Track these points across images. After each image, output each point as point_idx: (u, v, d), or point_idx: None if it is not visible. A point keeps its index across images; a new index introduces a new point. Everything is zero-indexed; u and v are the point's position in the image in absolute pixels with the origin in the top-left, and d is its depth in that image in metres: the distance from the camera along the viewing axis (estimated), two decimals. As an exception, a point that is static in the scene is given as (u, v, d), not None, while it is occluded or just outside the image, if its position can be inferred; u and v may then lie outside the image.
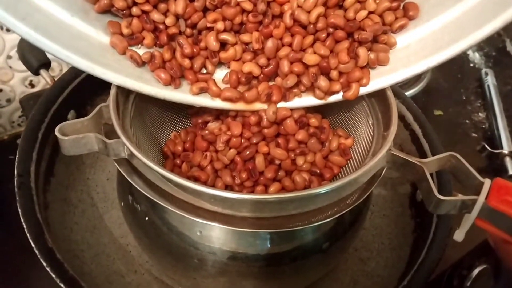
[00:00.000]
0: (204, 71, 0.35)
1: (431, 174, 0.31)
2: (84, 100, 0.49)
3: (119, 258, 0.45)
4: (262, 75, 0.34)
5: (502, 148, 0.61)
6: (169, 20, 0.33)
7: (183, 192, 0.30)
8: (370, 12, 0.33)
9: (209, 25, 0.33)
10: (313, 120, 0.37)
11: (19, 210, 0.36)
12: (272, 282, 0.37)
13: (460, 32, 0.31)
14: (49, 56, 0.53)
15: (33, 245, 0.34)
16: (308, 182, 0.36)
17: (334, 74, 0.33)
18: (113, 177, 0.50)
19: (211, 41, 0.33)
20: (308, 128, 0.37)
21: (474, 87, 0.73)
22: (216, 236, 0.34)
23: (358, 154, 0.37)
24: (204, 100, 0.35)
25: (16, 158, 0.39)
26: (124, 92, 0.34)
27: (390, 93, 0.35)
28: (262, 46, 0.33)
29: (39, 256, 0.33)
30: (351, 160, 0.38)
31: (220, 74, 0.35)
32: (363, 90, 0.34)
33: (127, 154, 0.31)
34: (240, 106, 0.35)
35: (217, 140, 0.36)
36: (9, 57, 0.56)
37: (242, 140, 0.36)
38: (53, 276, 0.33)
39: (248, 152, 0.36)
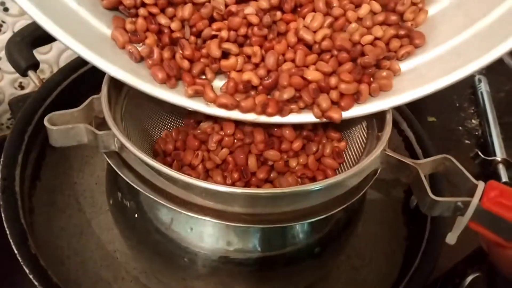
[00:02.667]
0: (203, 77, 0.34)
1: (425, 177, 0.31)
2: (73, 102, 0.48)
3: (106, 265, 0.44)
4: (261, 87, 0.34)
5: (495, 155, 0.60)
6: (174, 25, 0.33)
7: (174, 186, 0.30)
8: (376, 38, 0.33)
9: (213, 33, 0.33)
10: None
11: (2, 215, 0.35)
12: (262, 285, 0.37)
13: (468, 56, 0.31)
14: (38, 57, 0.52)
15: (16, 252, 0.33)
16: (300, 184, 0.35)
17: (334, 94, 0.33)
18: (101, 182, 0.49)
19: (214, 47, 0.33)
20: (301, 131, 0.37)
21: (468, 93, 0.72)
22: (207, 233, 0.33)
23: (352, 156, 0.37)
24: (198, 105, 0.34)
25: (1, 162, 0.38)
26: (117, 86, 0.33)
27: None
28: (261, 61, 0.33)
29: (22, 263, 0.32)
30: (344, 163, 0.37)
31: (218, 83, 0.35)
32: (365, 111, 0.34)
33: (117, 146, 0.31)
34: (234, 114, 0.34)
35: (209, 139, 0.36)
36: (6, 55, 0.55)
37: (235, 140, 0.36)
38: (36, 283, 0.32)
39: (240, 152, 0.35)
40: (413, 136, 0.47)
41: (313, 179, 0.36)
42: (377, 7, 0.34)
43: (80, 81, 0.47)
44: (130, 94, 0.35)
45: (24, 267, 0.32)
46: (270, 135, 0.36)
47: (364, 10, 0.33)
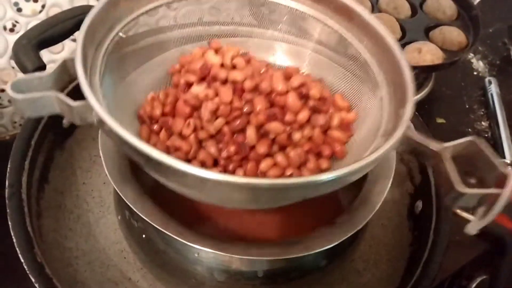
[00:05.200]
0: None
1: (451, 163, 0.28)
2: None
3: (113, 264, 0.45)
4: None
5: (504, 157, 0.59)
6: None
7: (162, 171, 0.26)
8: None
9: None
10: (314, 92, 0.33)
11: (9, 223, 0.36)
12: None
13: None
14: (50, 56, 0.53)
15: (22, 260, 0.34)
16: (304, 159, 0.32)
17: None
18: (109, 181, 0.50)
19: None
20: (307, 101, 0.33)
21: (478, 95, 0.71)
22: (213, 257, 0.34)
23: (363, 130, 0.34)
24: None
25: (8, 168, 0.39)
26: (94, 42, 0.30)
27: (404, 62, 0.31)
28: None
29: (27, 271, 0.33)
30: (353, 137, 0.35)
31: None
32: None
33: (95, 119, 0.27)
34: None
35: (203, 107, 0.32)
36: (12, 57, 0.56)
37: (232, 109, 0.32)
38: (41, 292, 0.33)
39: (238, 123, 0.31)
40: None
41: (318, 154, 0.33)
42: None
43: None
44: (110, 49, 0.31)
45: (30, 276, 0.33)
46: (272, 104, 0.33)
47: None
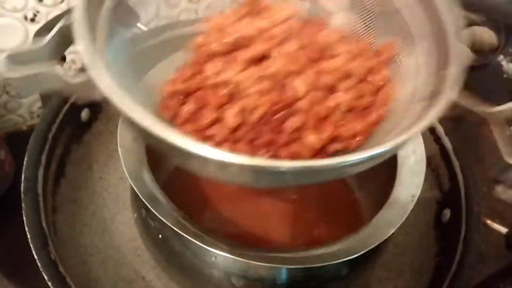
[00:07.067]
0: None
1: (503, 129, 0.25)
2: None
3: (127, 262, 0.44)
4: None
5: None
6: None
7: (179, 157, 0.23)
8: None
9: None
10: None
11: (24, 218, 0.35)
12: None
13: None
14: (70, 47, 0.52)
15: (35, 257, 0.33)
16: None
17: None
18: (126, 177, 0.49)
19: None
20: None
21: (507, 99, 0.67)
22: (232, 262, 0.32)
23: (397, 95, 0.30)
24: None
25: (24, 162, 0.38)
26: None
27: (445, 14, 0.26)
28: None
29: (41, 269, 0.32)
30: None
31: None
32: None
33: (100, 97, 0.23)
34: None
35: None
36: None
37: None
38: (53, 291, 0.32)
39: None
40: (450, 146, 0.44)
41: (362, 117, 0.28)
42: None
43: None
44: (118, 7, 0.26)
45: (43, 273, 0.32)
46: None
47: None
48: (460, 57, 0.25)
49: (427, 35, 0.28)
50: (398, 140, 0.22)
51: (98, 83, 0.22)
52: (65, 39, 0.24)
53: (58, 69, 0.23)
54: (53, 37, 0.24)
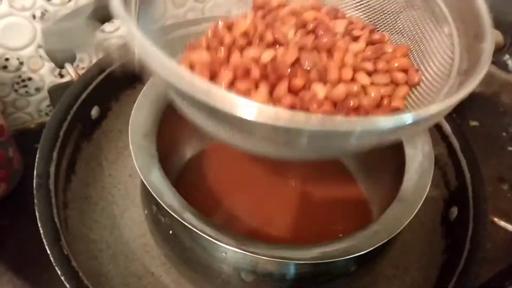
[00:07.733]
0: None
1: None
2: (109, 95, 0.48)
3: (137, 258, 0.45)
4: None
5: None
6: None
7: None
8: None
9: None
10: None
11: (37, 214, 0.35)
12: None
13: None
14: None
15: (48, 252, 0.33)
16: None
17: None
18: (135, 174, 0.49)
19: None
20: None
21: (513, 98, 0.68)
22: (242, 257, 0.33)
23: (429, 72, 0.32)
24: None
25: (36, 159, 0.38)
26: None
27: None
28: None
29: (54, 264, 0.33)
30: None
31: None
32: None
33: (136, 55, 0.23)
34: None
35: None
36: (39, 46, 0.55)
37: None
38: (67, 286, 0.32)
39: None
40: (457, 144, 0.44)
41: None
42: None
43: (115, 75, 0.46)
44: None
45: (56, 268, 0.33)
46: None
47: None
48: (492, 34, 0.27)
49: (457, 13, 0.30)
50: (443, 105, 0.24)
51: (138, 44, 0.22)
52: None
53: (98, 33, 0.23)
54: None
